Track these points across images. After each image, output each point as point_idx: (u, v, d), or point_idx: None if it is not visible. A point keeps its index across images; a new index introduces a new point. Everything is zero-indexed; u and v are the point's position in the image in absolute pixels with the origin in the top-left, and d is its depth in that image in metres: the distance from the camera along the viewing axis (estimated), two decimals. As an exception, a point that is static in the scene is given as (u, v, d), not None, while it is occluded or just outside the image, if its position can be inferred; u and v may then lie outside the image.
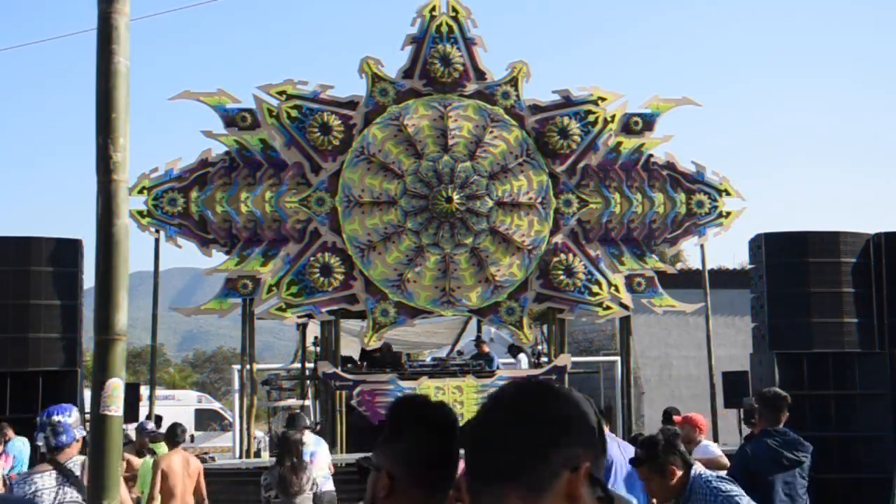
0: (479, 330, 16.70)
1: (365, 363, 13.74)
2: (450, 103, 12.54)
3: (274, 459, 8.63)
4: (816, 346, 11.04)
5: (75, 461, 4.82)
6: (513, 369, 13.82)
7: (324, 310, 12.15)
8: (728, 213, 13.21)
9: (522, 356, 15.04)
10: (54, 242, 10.18)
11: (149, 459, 8.85)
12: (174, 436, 8.60)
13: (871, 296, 11.16)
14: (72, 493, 4.78)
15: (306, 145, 12.20)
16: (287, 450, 7.81)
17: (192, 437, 20.58)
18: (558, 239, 12.67)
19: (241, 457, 12.34)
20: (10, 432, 8.89)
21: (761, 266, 11.52)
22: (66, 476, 4.76)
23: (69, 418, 4.87)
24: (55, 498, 4.86)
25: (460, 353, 17.72)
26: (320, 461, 9.11)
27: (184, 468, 8.24)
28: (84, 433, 4.81)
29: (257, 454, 12.81)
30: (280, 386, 16.12)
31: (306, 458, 8.19)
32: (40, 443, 4.94)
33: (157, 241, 11.99)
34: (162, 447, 9.34)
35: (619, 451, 5.53)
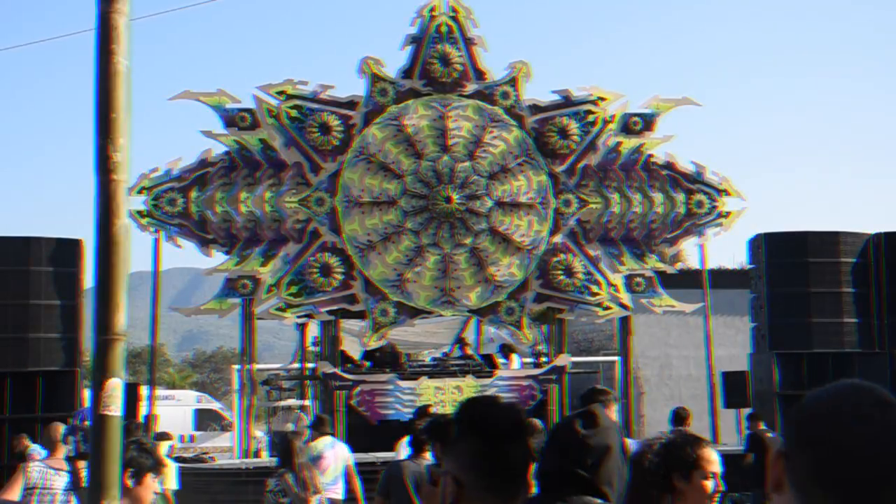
0: (478, 330, 16.68)
1: (367, 361, 13.71)
2: (449, 103, 12.54)
3: (274, 461, 8.55)
4: (816, 346, 11.05)
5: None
6: (506, 369, 13.77)
7: (324, 310, 12.15)
8: (728, 213, 13.19)
9: (515, 356, 15.01)
10: (54, 242, 10.20)
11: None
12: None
13: (870, 296, 11.18)
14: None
15: (306, 145, 12.20)
16: (288, 453, 7.60)
17: (192, 437, 20.59)
18: (558, 239, 12.67)
19: (241, 457, 12.33)
20: (26, 440, 8.68)
21: (761, 266, 11.54)
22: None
23: None
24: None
25: (447, 355, 17.56)
26: (326, 465, 8.92)
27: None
28: None
29: (257, 454, 12.81)
30: (280, 386, 16.11)
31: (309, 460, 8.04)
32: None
33: (157, 241, 11.99)
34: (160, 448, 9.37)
35: None
